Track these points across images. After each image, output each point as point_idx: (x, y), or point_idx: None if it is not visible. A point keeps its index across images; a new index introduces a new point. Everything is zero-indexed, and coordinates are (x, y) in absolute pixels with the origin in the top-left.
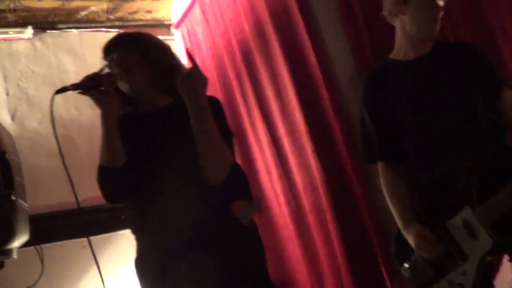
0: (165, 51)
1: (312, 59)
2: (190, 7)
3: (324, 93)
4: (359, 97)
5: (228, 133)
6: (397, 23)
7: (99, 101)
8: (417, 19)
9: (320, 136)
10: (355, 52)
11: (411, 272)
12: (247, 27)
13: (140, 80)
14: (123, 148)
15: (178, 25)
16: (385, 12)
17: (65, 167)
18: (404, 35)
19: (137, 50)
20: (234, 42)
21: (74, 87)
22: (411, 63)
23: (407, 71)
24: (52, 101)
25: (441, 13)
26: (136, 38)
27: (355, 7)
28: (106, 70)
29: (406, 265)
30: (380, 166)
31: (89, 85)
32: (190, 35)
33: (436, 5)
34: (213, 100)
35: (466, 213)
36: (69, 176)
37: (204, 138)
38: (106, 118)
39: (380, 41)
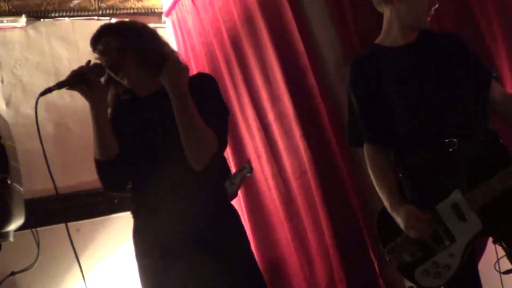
0: (150, 36)
1: (300, 46)
2: None
3: (311, 79)
4: (346, 81)
5: (221, 110)
6: (388, 10)
7: (86, 95)
8: (415, 9)
9: (308, 121)
10: (342, 39)
11: (395, 254)
12: (236, 15)
13: (129, 67)
14: (115, 139)
15: (168, 13)
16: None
17: (44, 154)
18: (396, 23)
19: (120, 38)
20: (223, 29)
21: (59, 85)
22: (401, 49)
23: (396, 57)
24: (36, 103)
25: (436, 6)
26: (118, 27)
27: None
28: (95, 62)
29: (390, 247)
30: (366, 148)
31: (74, 81)
32: (180, 23)
33: None
34: (206, 78)
35: (456, 196)
36: (47, 163)
37: (183, 123)
38: (94, 112)
39: (366, 28)
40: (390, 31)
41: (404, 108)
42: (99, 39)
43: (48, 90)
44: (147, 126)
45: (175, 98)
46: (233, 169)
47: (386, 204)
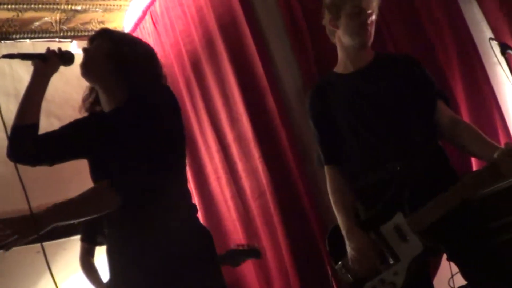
0: (144, 59)
1: (259, 69)
2: (142, 18)
3: (270, 101)
4: (306, 109)
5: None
6: (336, 40)
7: (37, 70)
8: (348, 29)
9: (267, 143)
10: (300, 63)
11: (346, 271)
12: (196, 38)
13: (105, 73)
14: (38, 111)
15: None
16: (328, 34)
17: (18, 173)
18: (342, 49)
19: (113, 46)
20: (184, 52)
21: (22, 56)
22: (350, 75)
23: (345, 83)
24: None
25: (371, 19)
26: (119, 36)
27: (301, 22)
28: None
29: (341, 264)
30: (326, 170)
31: (37, 56)
32: None
33: (364, 11)
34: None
35: (398, 218)
36: (21, 182)
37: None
38: (36, 76)
39: (325, 55)
40: (341, 58)
41: (348, 134)
42: (94, 39)
43: (11, 56)
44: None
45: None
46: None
47: (341, 226)
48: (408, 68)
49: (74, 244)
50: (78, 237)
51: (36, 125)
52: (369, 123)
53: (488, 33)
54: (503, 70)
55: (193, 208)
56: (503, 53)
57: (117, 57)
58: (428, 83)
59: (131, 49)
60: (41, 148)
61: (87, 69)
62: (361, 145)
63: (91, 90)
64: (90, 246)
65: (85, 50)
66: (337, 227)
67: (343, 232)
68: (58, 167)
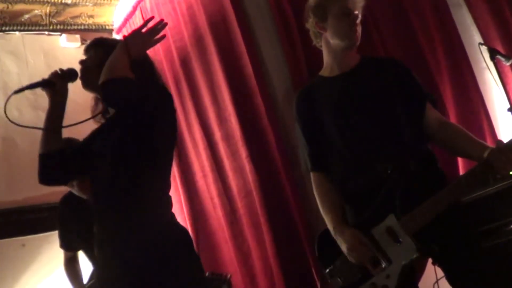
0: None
1: (249, 68)
2: (132, 13)
3: (259, 101)
4: (293, 113)
5: None
6: (322, 43)
7: (50, 96)
8: (336, 31)
9: (254, 142)
10: (290, 64)
11: (336, 276)
12: (186, 35)
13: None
14: (60, 137)
15: (119, 30)
16: (313, 39)
17: None
18: (329, 51)
19: (105, 49)
20: (173, 48)
21: (31, 86)
22: (336, 78)
23: (332, 86)
24: (6, 102)
25: (358, 20)
26: (109, 40)
27: (291, 22)
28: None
29: (331, 269)
30: (312, 176)
31: (44, 84)
32: None
33: (352, 12)
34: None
35: (390, 220)
36: None
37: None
38: (51, 110)
39: (315, 55)
40: (327, 61)
41: (337, 137)
42: (88, 49)
43: (21, 90)
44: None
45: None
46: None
47: (330, 227)
48: (395, 70)
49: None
50: None
51: (61, 151)
52: (358, 125)
53: (478, 38)
54: (492, 75)
55: (171, 205)
56: (492, 58)
57: None
58: (415, 85)
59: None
60: (69, 170)
61: (85, 81)
62: (350, 148)
63: (96, 99)
64: (70, 253)
65: (81, 62)
66: (325, 233)
67: (332, 232)
68: (35, 164)
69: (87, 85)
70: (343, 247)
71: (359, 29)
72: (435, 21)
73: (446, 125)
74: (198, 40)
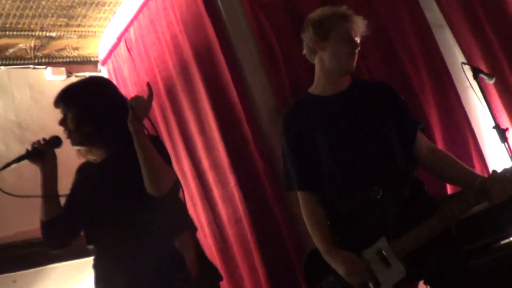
0: (106, 103)
1: (234, 96)
2: (116, 44)
3: (246, 128)
4: (279, 131)
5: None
6: (316, 60)
7: (39, 165)
8: (336, 55)
9: (242, 169)
10: (274, 89)
11: None
12: (171, 64)
13: (84, 136)
14: (58, 202)
15: (104, 62)
16: (304, 50)
17: None
18: (323, 71)
19: (76, 108)
20: (158, 78)
21: (17, 160)
22: (329, 98)
23: (324, 106)
24: None
25: (358, 49)
26: (77, 93)
27: (275, 49)
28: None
29: (323, 285)
30: (299, 196)
31: (31, 155)
32: (116, 72)
33: (354, 40)
34: (155, 139)
35: (382, 243)
36: None
37: (141, 154)
38: (43, 178)
39: (299, 81)
40: (320, 80)
41: (329, 156)
42: (58, 105)
43: (7, 165)
44: (96, 192)
45: (132, 135)
46: None
47: (321, 249)
48: (387, 95)
49: (49, 273)
50: (53, 265)
51: (59, 217)
52: (352, 146)
53: (461, 58)
54: (476, 94)
55: None
56: (475, 77)
57: (88, 119)
58: (406, 112)
59: (96, 100)
60: (72, 233)
61: (73, 141)
62: (342, 168)
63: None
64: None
65: (61, 124)
66: (312, 253)
67: (324, 252)
68: (23, 199)
69: (75, 143)
70: (341, 270)
71: (356, 57)
72: (417, 42)
73: (436, 152)
74: (183, 69)
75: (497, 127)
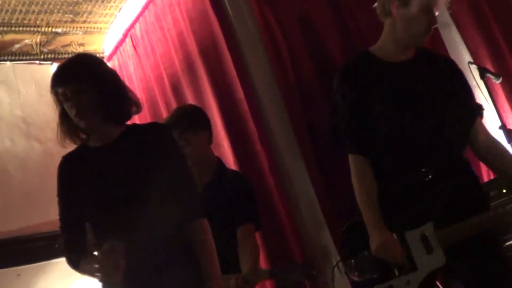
0: (114, 77)
1: (240, 93)
2: (122, 40)
3: (251, 125)
4: (335, 86)
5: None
6: (387, 23)
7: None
8: (411, 26)
9: (248, 166)
10: (280, 86)
11: (356, 268)
12: (177, 61)
13: (85, 108)
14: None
15: (110, 58)
16: (377, 7)
17: None
18: (392, 37)
19: (100, 81)
20: (164, 75)
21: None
22: (394, 65)
23: (389, 73)
24: None
25: (435, 25)
26: (95, 68)
27: (281, 45)
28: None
29: (352, 261)
30: (352, 160)
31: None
32: (121, 68)
33: (434, 15)
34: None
35: (428, 228)
36: None
37: None
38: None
39: (305, 78)
40: (386, 44)
41: (388, 128)
42: (69, 79)
43: None
44: (103, 179)
45: None
46: None
47: (367, 221)
48: (453, 72)
49: (53, 267)
50: (57, 260)
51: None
52: (416, 121)
53: (467, 57)
54: (482, 94)
55: None
56: (482, 76)
57: (112, 94)
58: (470, 95)
59: (112, 75)
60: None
61: (88, 123)
62: (398, 143)
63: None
64: None
65: (71, 101)
66: (351, 225)
67: (368, 225)
68: (36, 191)
69: (89, 124)
70: (374, 244)
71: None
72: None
73: (494, 143)
74: (189, 66)
75: (503, 127)
